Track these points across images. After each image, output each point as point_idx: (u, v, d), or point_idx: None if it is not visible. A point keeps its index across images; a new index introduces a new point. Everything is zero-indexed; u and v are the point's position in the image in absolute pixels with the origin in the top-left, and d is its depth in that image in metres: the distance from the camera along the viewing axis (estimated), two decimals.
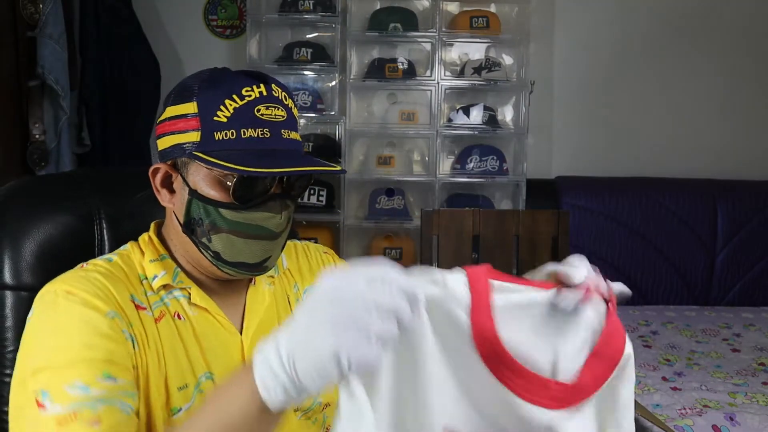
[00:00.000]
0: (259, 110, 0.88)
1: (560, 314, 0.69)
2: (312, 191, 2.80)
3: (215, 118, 0.87)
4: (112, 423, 0.79)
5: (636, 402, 1.73)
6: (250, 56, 2.85)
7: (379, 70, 2.84)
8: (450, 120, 2.88)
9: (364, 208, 2.95)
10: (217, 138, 0.88)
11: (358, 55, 2.93)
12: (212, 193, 0.89)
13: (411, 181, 2.92)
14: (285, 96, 0.91)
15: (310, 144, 2.84)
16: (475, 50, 2.95)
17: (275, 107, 0.89)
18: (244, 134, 0.88)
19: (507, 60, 2.96)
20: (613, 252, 2.79)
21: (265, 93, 0.89)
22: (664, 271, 2.82)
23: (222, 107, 0.88)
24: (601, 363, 0.70)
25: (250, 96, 0.88)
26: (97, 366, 0.81)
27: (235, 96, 0.88)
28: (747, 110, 3.08)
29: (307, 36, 2.94)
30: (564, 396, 0.70)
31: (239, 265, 0.91)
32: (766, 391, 1.97)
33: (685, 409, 1.85)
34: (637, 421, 1.73)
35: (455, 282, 0.69)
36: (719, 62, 3.05)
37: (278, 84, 0.92)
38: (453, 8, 2.93)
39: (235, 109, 0.88)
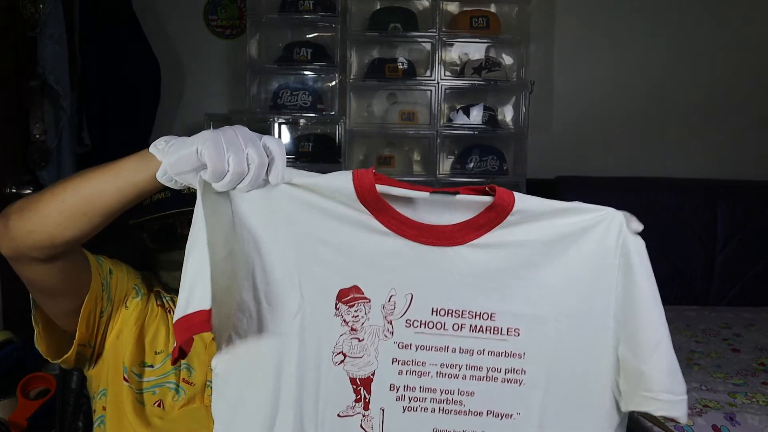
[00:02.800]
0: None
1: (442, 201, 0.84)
2: None
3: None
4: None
5: None
6: (250, 56, 2.85)
7: (379, 70, 2.84)
8: (450, 120, 2.88)
9: None
10: (145, 204, 1.27)
11: (358, 55, 2.93)
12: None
13: (411, 181, 2.92)
14: None
15: (310, 144, 2.84)
16: (475, 50, 2.94)
17: None
18: (154, 198, 1.26)
19: (507, 60, 2.96)
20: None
21: None
22: (664, 271, 2.82)
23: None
24: (493, 211, 0.83)
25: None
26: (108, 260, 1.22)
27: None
28: (747, 110, 3.08)
29: (307, 36, 2.94)
30: (454, 232, 0.83)
31: (176, 291, 1.09)
32: (766, 391, 1.97)
33: None
34: (637, 421, 1.74)
35: (340, 173, 0.83)
36: (720, 61, 3.04)
37: None
38: (453, 8, 2.93)
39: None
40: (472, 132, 2.87)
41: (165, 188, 1.18)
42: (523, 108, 2.88)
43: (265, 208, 0.81)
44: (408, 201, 0.84)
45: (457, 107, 2.90)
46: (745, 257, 2.86)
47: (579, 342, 0.86)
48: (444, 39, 2.85)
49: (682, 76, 3.05)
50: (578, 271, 0.86)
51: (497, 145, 2.91)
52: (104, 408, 1.21)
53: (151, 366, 1.23)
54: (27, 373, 1.76)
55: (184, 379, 1.23)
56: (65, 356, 1.14)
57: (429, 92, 2.87)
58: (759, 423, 1.79)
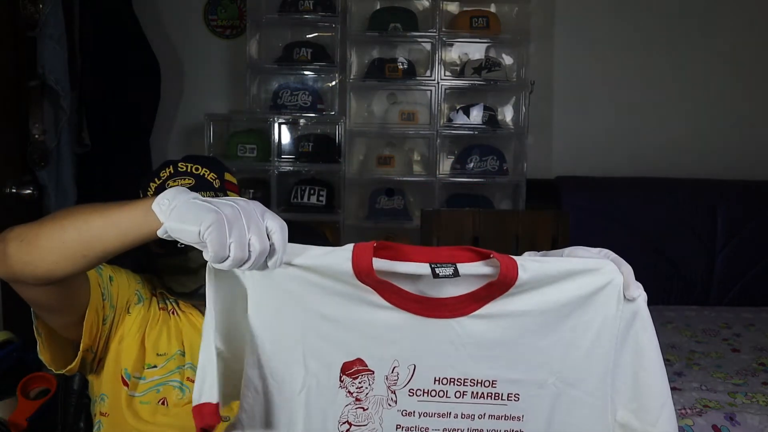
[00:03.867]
0: (168, 184, 1.23)
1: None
2: (312, 191, 2.80)
3: (146, 196, 1.24)
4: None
5: None
6: (250, 56, 2.85)
7: (379, 70, 2.84)
8: (450, 120, 2.88)
9: (364, 209, 2.95)
10: None
11: (358, 55, 2.93)
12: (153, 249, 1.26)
13: (411, 181, 2.92)
14: (195, 168, 1.27)
15: (310, 144, 2.84)
16: (475, 50, 2.95)
17: (182, 178, 1.24)
18: None
19: (507, 60, 2.96)
20: (613, 252, 2.77)
21: (172, 171, 1.26)
22: (664, 271, 2.82)
23: (148, 188, 1.26)
24: (496, 284, 0.84)
25: (164, 175, 1.26)
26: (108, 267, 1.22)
27: (156, 178, 1.27)
28: (747, 110, 3.08)
29: (307, 36, 2.94)
30: (456, 304, 0.85)
31: (180, 295, 1.27)
32: (766, 391, 1.97)
33: (685, 409, 1.85)
34: None
35: (340, 249, 0.84)
36: (720, 62, 3.05)
37: (189, 161, 1.28)
38: (453, 8, 2.93)
39: (155, 187, 1.25)
40: (472, 132, 2.87)
41: None
42: (523, 108, 2.88)
43: (267, 286, 0.83)
44: (410, 276, 0.85)
45: (457, 107, 2.90)
46: (745, 257, 2.86)
47: (575, 405, 0.89)
48: (444, 39, 2.85)
49: (683, 76, 3.05)
50: (577, 338, 0.88)
51: (497, 145, 2.91)
52: (102, 413, 1.22)
53: (154, 366, 1.23)
54: (27, 373, 1.75)
55: (188, 377, 1.23)
56: (69, 366, 1.14)
57: (429, 92, 2.87)
58: (759, 423, 1.79)
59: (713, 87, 3.06)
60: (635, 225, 2.79)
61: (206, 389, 0.80)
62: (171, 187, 1.25)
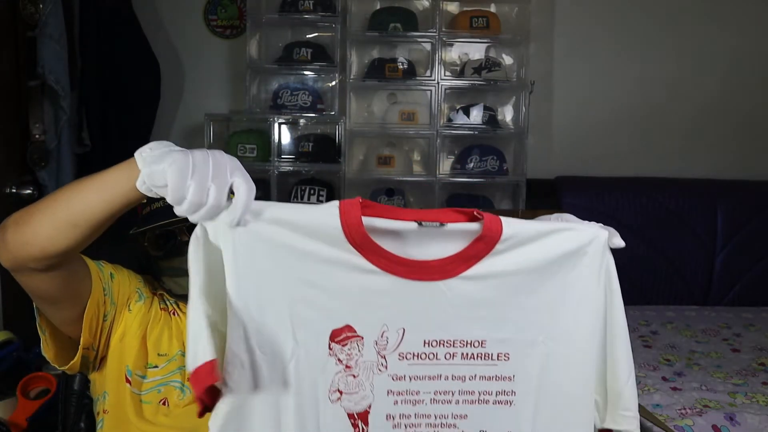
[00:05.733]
0: None
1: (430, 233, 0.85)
2: (312, 191, 2.80)
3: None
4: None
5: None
6: (250, 56, 2.85)
7: (379, 70, 2.84)
8: (450, 120, 2.88)
9: None
10: (144, 212, 1.29)
11: (358, 55, 2.93)
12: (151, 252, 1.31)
13: (411, 181, 2.92)
14: None
15: (310, 144, 2.84)
16: (475, 50, 2.95)
17: None
18: (153, 207, 1.27)
19: (507, 60, 2.96)
20: (612, 251, 2.77)
21: None
22: (664, 271, 2.81)
23: None
24: (482, 241, 0.86)
25: None
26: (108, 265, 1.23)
27: None
28: (747, 110, 3.08)
29: (307, 36, 2.94)
30: (444, 266, 0.85)
31: (180, 297, 1.29)
32: (766, 391, 1.97)
33: (685, 409, 1.85)
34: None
35: (326, 205, 0.84)
36: (720, 62, 3.05)
37: None
38: (453, 8, 2.93)
39: None
40: (472, 132, 2.87)
41: (159, 198, 1.24)
42: (523, 108, 2.88)
43: (252, 256, 0.81)
44: (396, 236, 0.86)
45: (457, 107, 2.90)
46: (745, 257, 2.86)
47: (566, 362, 0.90)
48: (444, 39, 2.85)
49: (683, 76, 3.05)
50: (565, 294, 0.90)
51: (497, 145, 2.91)
52: (105, 411, 1.22)
53: (156, 366, 1.24)
54: (27, 373, 1.75)
55: (189, 378, 1.23)
56: (71, 362, 1.15)
57: (429, 92, 2.87)
58: (759, 423, 1.79)
59: (713, 87, 3.06)
60: (635, 225, 2.79)
61: (200, 349, 0.77)
62: None
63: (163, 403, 1.22)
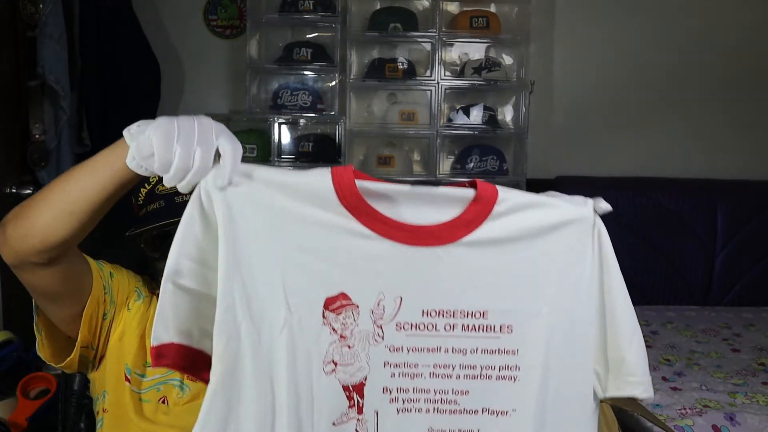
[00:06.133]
0: (158, 188, 1.29)
1: (424, 195, 0.84)
2: None
3: (138, 202, 1.32)
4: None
5: (636, 402, 1.73)
6: (250, 56, 2.85)
7: (379, 70, 2.84)
8: (450, 120, 2.88)
9: None
10: (141, 214, 1.31)
11: (358, 55, 2.93)
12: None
13: (411, 181, 2.92)
14: None
15: (310, 144, 2.84)
16: (475, 50, 2.94)
17: None
18: (149, 208, 1.29)
19: (507, 60, 2.96)
20: (613, 252, 2.77)
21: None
22: (664, 271, 2.81)
23: (139, 193, 1.31)
24: (478, 205, 0.84)
25: (153, 180, 1.29)
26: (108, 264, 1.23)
27: (146, 183, 1.30)
28: (747, 110, 3.08)
29: (307, 36, 2.94)
30: (440, 232, 0.83)
31: None
32: (766, 391, 1.97)
33: (685, 409, 1.85)
34: (637, 421, 1.74)
35: (318, 170, 0.82)
36: (720, 61, 3.04)
37: None
38: (453, 8, 2.93)
39: (145, 192, 1.30)
40: (472, 132, 2.87)
41: (158, 198, 1.24)
42: (523, 108, 2.88)
43: (243, 219, 0.79)
44: (390, 201, 0.83)
45: (457, 107, 2.90)
46: (745, 257, 2.86)
47: (568, 334, 0.87)
48: (444, 39, 2.85)
49: (683, 77, 3.05)
50: (565, 263, 0.87)
51: (497, 145, 2.91)
52: (104, 410, 1.22)
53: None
54: (27, 373, 1.75)
55: (188, 376, 1.23)
56: (68, 359, 1.15)
57: (429, 92, 2.87)
58: (759, 423, 1.79)
59: (713, 87, 3.06)
60: (635, 225, 2.79)
61: (161, 331, 0.78)
62: (161, 191, 1.29)
63: (163, 402, 1.23)
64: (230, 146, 0.78)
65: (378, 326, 0.83)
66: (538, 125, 2.99)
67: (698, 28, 3.03)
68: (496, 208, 0.84)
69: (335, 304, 0.81)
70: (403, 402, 0.84)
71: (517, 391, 0.85)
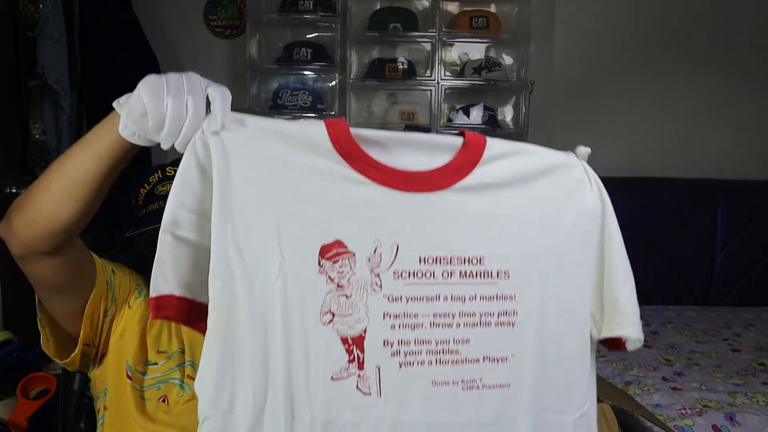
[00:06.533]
0: (157, 189, 1.30)
1: (414, 142, 0.85)
2: None
3: (137, 203, 1.33)
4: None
5: (636, 402, 1.73)
6: (250, 56, 2.85)
7: (379, 70, 2.84)
8: (450, 120, 2.88)
9: None
10: (140, 215, 1.31)
11: (358, 55, 2.93)
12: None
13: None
14: None
15: None
16: (475, 50, 2.95)
17: (171, 182, 1.13)
18: (149, 209, 1.29)
19: (507, 60, 2.96)
20: None
21: (161, 176, 1.30)
22: (664, 271, 2.82)
23: (139, 194, 1.32)
24: (468, 150, 0.85)
25: (153, 180, 1.30)
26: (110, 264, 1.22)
27: (146, 184, 1.31)
28: (747, 110, 3.08)
29: (307, 36, 2.94)
30: (434, 178, 0.84)
31: None
32: (766, 391, 1.97)
33: (685, 409, 1.85)
34: (637, 421, 1.74)
35: (311, 121, 0.83)
36: (720, 62, 3.04)
37: (177, 165, 1.14)
38: (453, 8, 2.93)
39: (145, 193, 1.31)
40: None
41: (158, 198, 1.24)
42: (523, 108, 2.88)
43: (237, 165, 0.78)
44: (383, 148, 0.83)
45: (457, 107, 2.90)
46: (745, 257, 2.86)
47: (565, 277, 0.88)
48: (444, 39, 2.85)
49: (682, 76, 3.05)
50: (558, 207, 0.88)
51: None
52: (105, 408, 1.22)
53: (155, 363, 1.24)
54: (27, 373, 1.75)
55: (188, 375, 1.24)
56: (72, 356, 1.15)
57: (429, 92, 2.87)
58: (759, 423, 1.79)
59: (713, 87, 3.06)
60: (635, 225, 2.79)
61: (160, 282, 0.77)
62: (160, 192, 1.29)
63: (163, 401, 1.23)
64: (219, 92, 0.79)
65: (375, 275, 0.81)
66: (538, 125, 2.99)
67: (698, 26, 3.03)
68: (486, 154, 0.85)
69: (331, 252, 0.80)
70: (405, 355, 0.82)
71: (516, 337, 0.86)
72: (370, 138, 0.83)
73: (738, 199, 2.89)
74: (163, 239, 0.78)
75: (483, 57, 2.91)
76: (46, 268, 0.99)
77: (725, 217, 2.86)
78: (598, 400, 1.43)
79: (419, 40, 2.90)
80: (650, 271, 2.77)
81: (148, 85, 0.78)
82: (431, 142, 0.87)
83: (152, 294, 0.78)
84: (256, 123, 0.80)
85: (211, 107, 0.78)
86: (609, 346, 0.94)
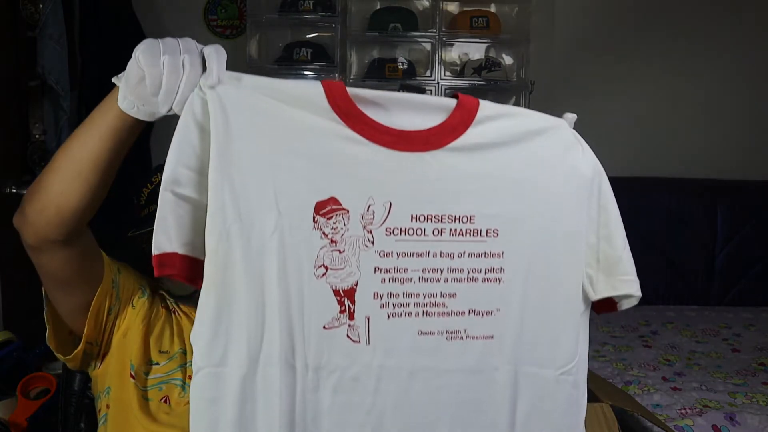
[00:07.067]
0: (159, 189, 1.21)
1: (409, 102, 0.87)
2: None
3: (140, 203, 1.31)
4: None
5: (636, 402, 1.73)
6: (250, 56, 2.85)
7: (379, 70, 2.84)
8: None
9: None
10: (142, 215, 1.30)
11: (358, 55, 2.93)
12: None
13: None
14: None
15: None
16: (475, 50, 2.95)
17: None
18: (151, 209, 1.26)
19: (507, 60, 2.96)
20: None
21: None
22: (664, 271, 2.82)
23: (141, 194, 1.31)
24: (462, 111, 0.88)
25: (155, 180, 1.28)
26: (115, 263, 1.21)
27: (148, 183, 1.29)
28: (747, 110, 3.08)
29: (307, 36, 2.94)
30: (429, 137, 0.86)
31: (179, 298, 1.31)
32: (766, 391, 1.96)
33: (685, 409, 1.85)
34: (637, 421, 1.74)
35: (308, 81, 0.85)
36: (720, 61, 3.05)
37: None
38: (453, 8, 2.93)
39: (147, 193, 1.29)
40: None
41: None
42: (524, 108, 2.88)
43: (236, 120, 0.80)
44: (379, 107, 0.85)
45: None
46: (745, 257, 2.86)
47: (556, 237, 0.90)
48: (444, 39, 2.85)
49: (683, 75, 3.05)
50: (550, 169, 0.91)
51: None
52: (108, 406, 1.22)
53: (157, 364, 1.24)
54: (27, 373, 1.75)
55: (190, 376, 1.23)
56: (74, 352, 1.15)
57: (429, 92, 2.87)
58: (759, 423, 1.79)
59: (714, 86, 3.06)
60: (635, 225, 2.76)
61: (163, 240, 0.78)
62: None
63: (165, 401, 1.23)
64: (214, 50, 0.80)
65: (368, 231, 0.84)
66: None
67: (698, 26, 3.03)
68: (479, 115, 0.88)
69: (325, 208, 0.82)
70: (394, 307, 0.85)
71: (502, 292, 0.89)
72: (367, 97, 0.85)
73: (738, 199, 2.90)
74: (164, 197, 0.79)
75: (483, 57, 2.92)
76: (57, 259, 1.00)
77: (725, 217, 2.86)
78: (598, 400, 1.44)
79: (419, 40, 2.90)
80: (650, 271, 2.76)
81: (144, 46, 0.79)
82: (426, 102, 0.89)
83: (155, 252, 0.79)
84: (253, 80, 0.82)
85: (206, 64, 0.80)
86: (599, 308, 0.97)
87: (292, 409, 0.83)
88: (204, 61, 0.80)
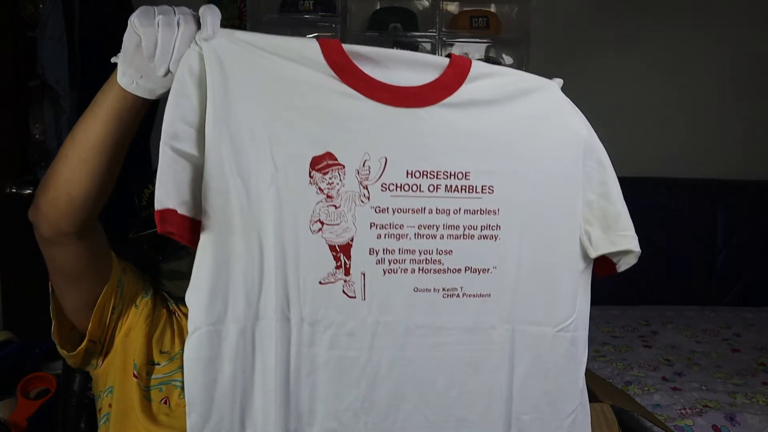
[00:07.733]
0: None
1: (404, 58, 0.87)
2: None
3: (141, 204, 1.28)
4: None
5: (636, 402, 1.73)
6: None
7: None
8: None
9: None
10: (144, 216, 1.26)
11: None
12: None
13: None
14: None
15: None
16: (475, 50, 2.95)
17: None
18: (152, 210, 1.20)
19: (507, 60, 2.96)
20: None
21: None
22: (664, 271, 2.81)
23: (143, 194, 1.27)
24: (455, 68, 0.88)
25: None
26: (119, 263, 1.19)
27: (150, 184, 1.25)
28: (747, 110, 3.08)
29: (308, 36, 2.94)
30: (425, 93, 0.86)
31: (179, 299, 1.28)
32: (766, 391, 1.97)
33: (685, 409, 1.85)
34: (637, 421, 1.74)
35: (304, 38, 0.85)
36: (720, 61, 3.05)
37: None
38: (453, 8, 2.93)
39: (149, 193, 1.25)
40: None
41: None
42: None
43: (233, 75, 0.80)
44: (374, 63, 0.85)
45: None
46: (745, 257, 2.86)
47: (551, 193, 0.91)
48: (444, 39, 2.85)
49: (682, 76, 3.05)
50: (545, 124, 0.92)
51: None
52: (110, 405, 1.22)
53: (158, 364, 1.24)
54: (27, 373, 1.75)
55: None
56: (78, 349, 1.16)
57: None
58: (759, 423, 1.79)
59: (713, 86, 3.06)
60: (635, 225, 2.77)
61: (163, 196, 0.78)
62: None
63: (165, 402, 1.23)
64: (207, 8, 0.81)
65: (364, 187, 0.84)
66: None
67: (698, 26, 3.03)
68: (472, 72, 0.89)
69: (321, 163, 0.82)
70: (389, 263, 0.86)
71: (498, 250, 0.89)
72: (363, 54, 0.85)
73: (738, 199, 2.90)
74: (164, 151, 0.79)
75: (483, 57, 2.92)
76: (69, 253, 1.01)
77: (725, 217, 2.86)
78: (598, 400, 1.44)
79: (419, 40, 2.90)
80: (650, 271, 2.76)
81: (138, 11, 0.81)
82: (421, 59, 0.90)
83: (157, 207, 0.79)
84: (248, 36, 0.82)
85: (201, 21, 0.80)
86: (599, 271, 0.98)
87: (286, 363, 0.84)
88: (198, 20, 0.81)
